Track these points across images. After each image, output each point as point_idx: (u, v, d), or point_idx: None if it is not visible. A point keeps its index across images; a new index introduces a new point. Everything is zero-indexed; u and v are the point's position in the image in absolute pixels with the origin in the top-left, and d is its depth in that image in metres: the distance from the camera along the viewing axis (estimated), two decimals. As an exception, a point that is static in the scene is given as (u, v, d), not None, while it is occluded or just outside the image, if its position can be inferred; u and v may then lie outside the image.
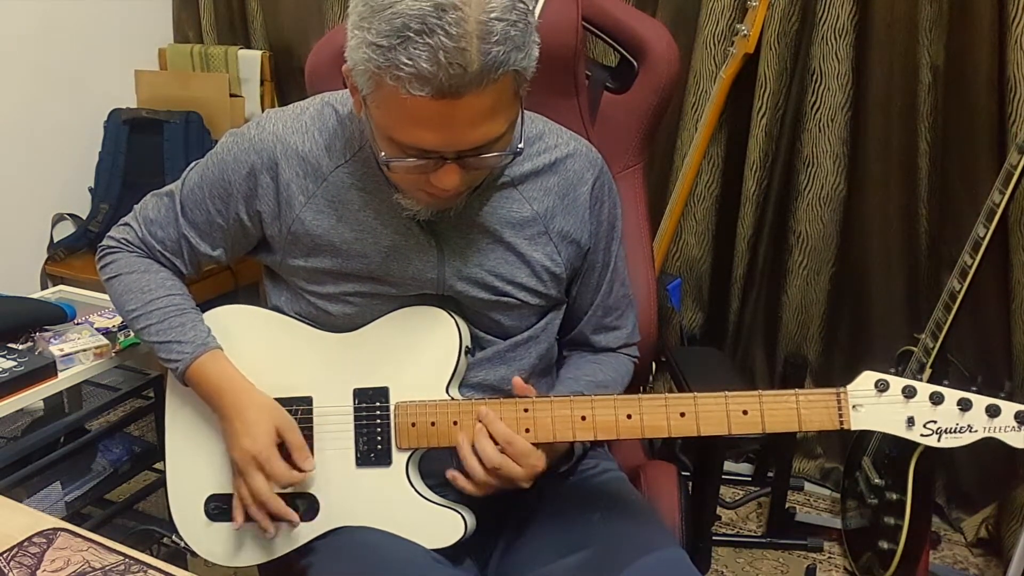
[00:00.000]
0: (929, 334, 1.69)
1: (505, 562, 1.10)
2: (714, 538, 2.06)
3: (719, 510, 2.19)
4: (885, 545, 1.78)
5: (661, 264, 2.24)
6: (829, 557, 2.04)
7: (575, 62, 1.35)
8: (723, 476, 2.26)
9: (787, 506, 2.11)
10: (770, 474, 2.18)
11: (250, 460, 1.05)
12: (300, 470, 1.06)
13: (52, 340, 1.40)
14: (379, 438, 1.07)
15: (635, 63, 1.42)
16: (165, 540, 1.64)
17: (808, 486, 2.30)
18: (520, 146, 0.96)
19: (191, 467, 1.15)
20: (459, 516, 1.05)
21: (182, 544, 1.16)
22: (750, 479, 2.30)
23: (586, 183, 1.12)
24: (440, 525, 1.05)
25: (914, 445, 1.69)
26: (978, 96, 1.87)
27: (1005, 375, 1.95)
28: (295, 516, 1.07)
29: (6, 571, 0.85)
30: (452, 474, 1.02)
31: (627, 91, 1.43)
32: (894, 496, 1.77)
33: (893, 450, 1.78)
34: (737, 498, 2.24)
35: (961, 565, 2.02)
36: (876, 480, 1.82)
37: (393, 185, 1.03)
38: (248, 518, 1.08)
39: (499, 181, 1.08)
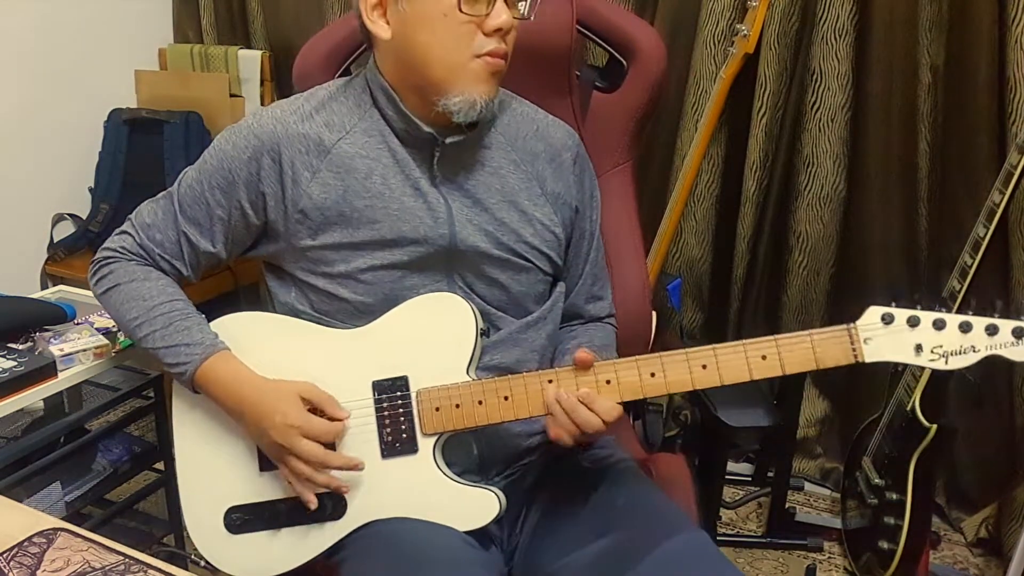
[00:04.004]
0: (929, 334, 1.69)
1: (531, 552, 1.10)
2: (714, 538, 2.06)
3: (719, 510, 2.19)
4: (885, 545, 1.78)
5: (661, 264, 2.24)
6: (829, 557, 2.04)
7: (569, 62, 1.37)
8: (723, 476, 2.26)
9: (787, 506, 2.11)
10: (770, 474, 2.18)
11: (289, 432, 1.04)
12: (338, 420, 1.07)
13: (52, 340, 1.40)
14: (403, 427, 1.07)
15: (624, 62, 1.44)
16: (163, 540, 1.64)
17: (808, 486, 2.30)
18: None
19: (206, 480, 1.13)
20: (493, 495, 1.05)
21: (203, 563, 1.12)
22: (750, 479, 2.30)
23: (569, 150, 1.22)
24: (474, 506, 1.05)
25: (915, 445, 1.70)
26: (978, 96, 1.87)
27: (1004, 373, 1.95)
28: (359, 461, 1.06)
29: (6, 571, 0.85)
30: (555, 430, 1.02)
31: (616, 90, 1.45)
32: (894, 496, 1.77)
33: (893, 450, 1.78)
34: (737, 498, 2.24)
35: (961, 565, 2.02)
36: (876, 480, 1.82)
37: (419, 119, 1.09)
38: (319, 496, 1.07)
39: (494, 139, 1.15)
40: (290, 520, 1.09)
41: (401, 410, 1.07)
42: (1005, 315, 0.94)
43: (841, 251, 2.16)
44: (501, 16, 1.03)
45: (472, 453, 1.12)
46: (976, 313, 0.94)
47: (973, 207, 1.78)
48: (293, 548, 1.10)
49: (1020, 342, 0.93)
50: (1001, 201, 1.55)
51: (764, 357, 0.98)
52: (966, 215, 1.89)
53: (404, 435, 1.07)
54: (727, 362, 0.98)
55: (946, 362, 0.95)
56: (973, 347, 0.94)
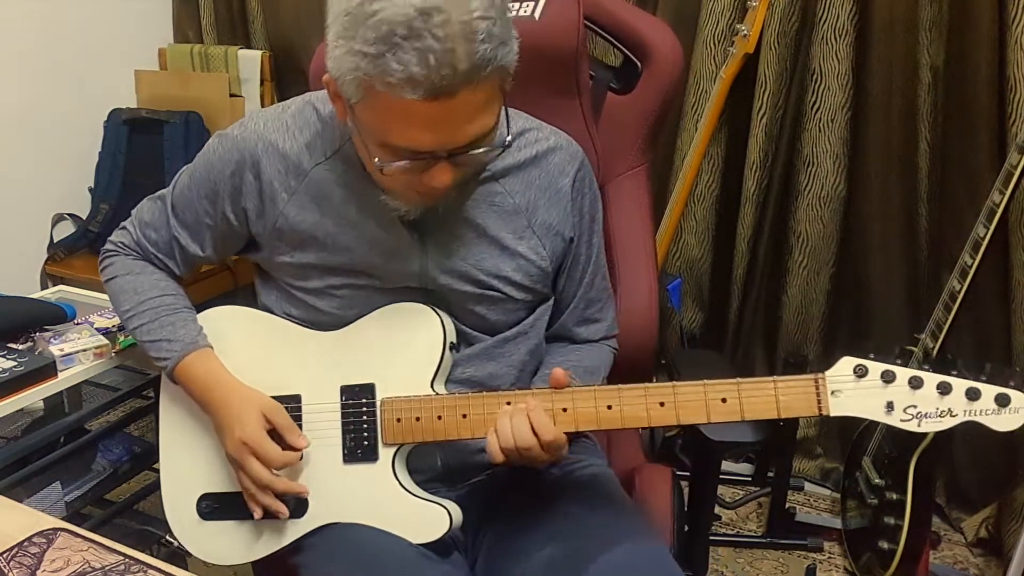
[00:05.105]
0: (929, 334, 1.69)
1: (492, 556, 1.10)
2: (714, 538, 2.06)
3: (719, 510, 2.19)
4: (885, 545, 1.78)
5: (661, 264, 2.24)
6: (829, 557, 2.04)
7: (576, 63, 1.35)
8: (723, 476, 2.27)
9: (787, 506, 2.11)
10: (770, 474, 2.18)
11: (242, 447, 1.06)
12: (295, 449, 1.07)
13: (52, 340, 1.40)
14: (366, 434, 1.07)
15: (639, 63, 1.41)
16: (164, 540, 1.64)
17: (808, 486, 2.30)
18: (508, 138, 0.98)
19: (184, 466, 1.16)
20: (444, 510, 1.05)
21: (175, 543, 1.17)
22: (750, 479, 2.30)
23: (567, 175, 1.14)
24: (425, 520, 1.05)
25: (914, 445, 1.70)
26: (978, 96, 1.87)
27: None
28: (304, 488, 1.07)
29: (6, 571, 0.85)
30: (491, 436, 1.01)
31: (631, 91, 1.42)
32: (894, 496, 1.77)
33: (893, 450, 1.78)
34: (737, 498, 2.24)
35: (961, 565, 2.02)
36: (876, 480, 1.82)
37: (378, 186, 1.03)
38: (266, 513, 1.08)
39: (481, 175, 1.09)
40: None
41: (365, 417, 1.07)
42: (992, 379, 0.87)
43: (841, 251, 2.16)
44: (439, 178, 0.93)
45: (436, 464, 1.12)
46: (959, 373, 0.88)
47: (973, 207, 1.78)
48: (256, 541, 1.12)
49: (1003, 410, 0.86)
50: (1001, 201, 1.55)
51: (724, 400, 0.94)
52: (966, 215, 1.89)
53: (366, 443, 1.07)
54: (685, 402, 0.95)
55: (918, 424, 0.89)
56: (950, 411, 0.88)
